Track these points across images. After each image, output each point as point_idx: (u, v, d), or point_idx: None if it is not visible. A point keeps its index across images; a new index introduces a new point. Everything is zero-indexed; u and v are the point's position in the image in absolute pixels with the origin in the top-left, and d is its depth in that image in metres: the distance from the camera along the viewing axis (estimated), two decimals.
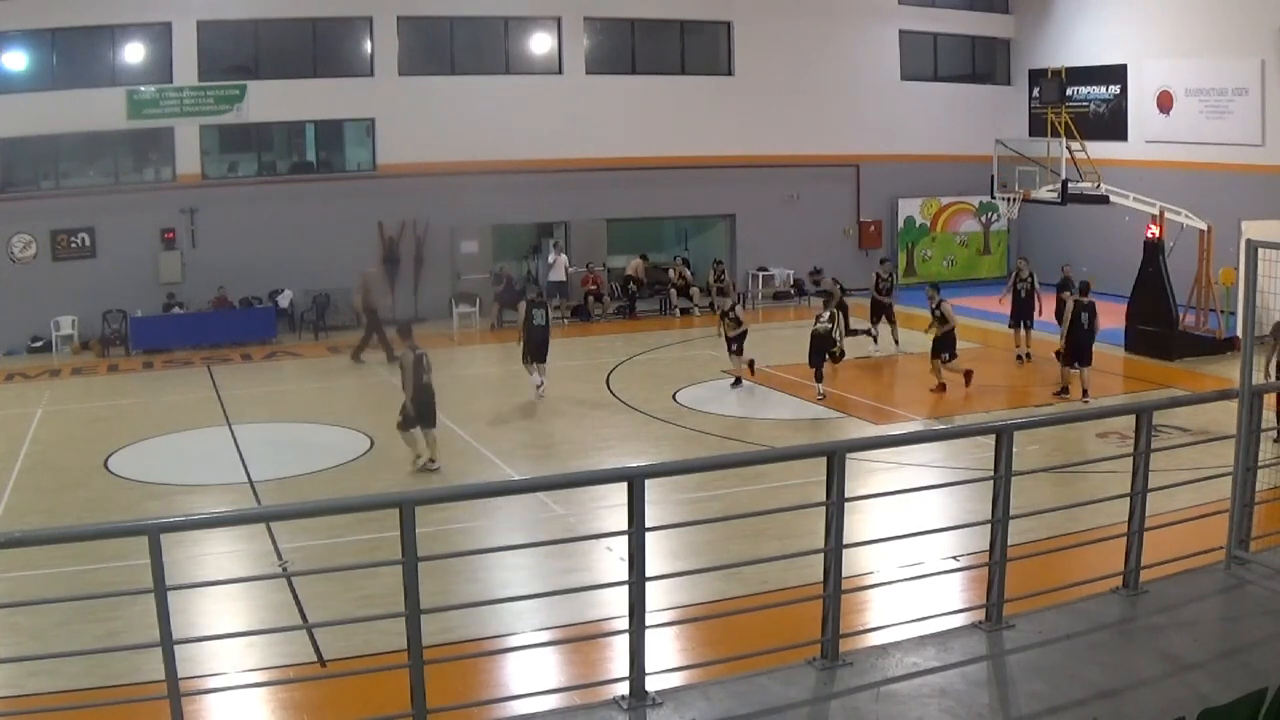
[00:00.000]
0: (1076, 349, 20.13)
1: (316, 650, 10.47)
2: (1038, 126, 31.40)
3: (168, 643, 5.59)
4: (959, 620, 7.82)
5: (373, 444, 18.36)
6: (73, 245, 28.11)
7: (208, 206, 28.60)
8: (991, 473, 7.44)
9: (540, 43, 31.56)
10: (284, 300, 28.96)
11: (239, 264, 28.01)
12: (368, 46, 30.08)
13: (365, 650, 9.74)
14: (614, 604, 7.47)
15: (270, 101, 28.89)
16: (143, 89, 28.28)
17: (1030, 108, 34.47)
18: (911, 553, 11.24)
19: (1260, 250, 8.28)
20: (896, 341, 25.00)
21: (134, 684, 8.99)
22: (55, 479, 16.85)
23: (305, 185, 29.79)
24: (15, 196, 27.84)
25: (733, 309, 22.39)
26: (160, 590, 5.52)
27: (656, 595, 7.00)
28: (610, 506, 13.53)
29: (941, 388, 21.17)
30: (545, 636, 10.64)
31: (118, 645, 9.90)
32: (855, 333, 24.19)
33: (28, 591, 11.12)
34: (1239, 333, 11.70)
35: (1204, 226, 24.22)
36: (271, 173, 30.47)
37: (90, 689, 9.16)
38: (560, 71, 31.36)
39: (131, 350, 27.11)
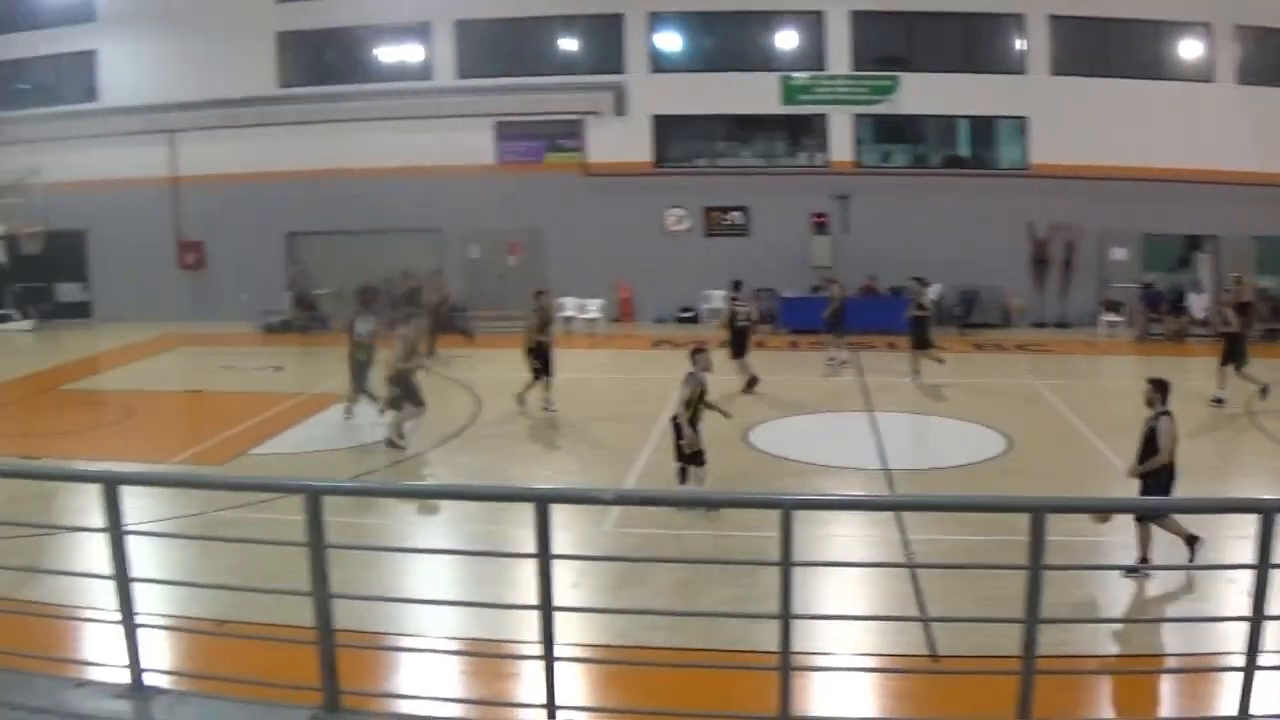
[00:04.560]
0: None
1: (930, 643, 10.30)
2: None
3: (786, 616, 5.65)
4: None
5: (1011, 445, 17.85)
6: (724, 223, 29.92)
7: (859, 194, 29.32)
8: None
9: (1189, 48, 29.37)
10: (931, 294, 28.92)
11: (887, 253, 28.45)
12: (1019, 43, 29.39)
13: (981, 651, 9.40)
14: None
15: (922, 94, 29.11)
16: (796, 75, 29.45)
17: None
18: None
19: None
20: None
21: (747, 651, 9.27)
22: None
23: (956, 180, 29.70)
24: (670, 171, 30.04)
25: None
26: (786, 565, 5.60)
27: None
28: None
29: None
30: None
31: (736, 612, 10.38)
32: None
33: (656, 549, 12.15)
34: None
35: None
36: (924, 165, 30.67)
37: (707, 650, 9.72)
38: (1211, 80, 29.05)
39: (779, 328, 28.39)
